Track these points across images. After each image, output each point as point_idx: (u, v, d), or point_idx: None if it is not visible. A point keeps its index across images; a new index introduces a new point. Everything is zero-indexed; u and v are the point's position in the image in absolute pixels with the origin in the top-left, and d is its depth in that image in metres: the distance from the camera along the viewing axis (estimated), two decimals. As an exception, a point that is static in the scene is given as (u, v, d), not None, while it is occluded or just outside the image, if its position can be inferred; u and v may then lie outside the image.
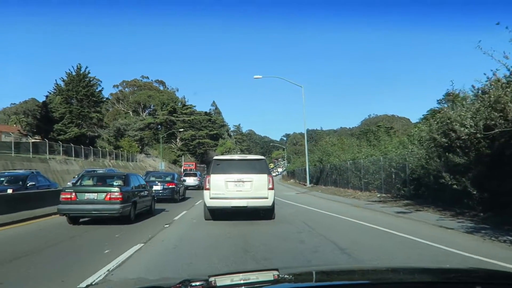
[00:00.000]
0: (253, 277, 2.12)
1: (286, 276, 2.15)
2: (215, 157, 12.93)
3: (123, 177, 12.72)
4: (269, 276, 2.26)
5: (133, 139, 69.30)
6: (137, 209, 12.52)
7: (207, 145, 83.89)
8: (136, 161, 59.84)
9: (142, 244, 8.58)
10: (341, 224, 11.82)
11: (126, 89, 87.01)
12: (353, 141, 39.83)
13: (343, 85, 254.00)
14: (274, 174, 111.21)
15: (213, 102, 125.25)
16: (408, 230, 10.15)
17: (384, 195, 19.78)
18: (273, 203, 11.83)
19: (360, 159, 26.25)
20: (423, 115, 68.51)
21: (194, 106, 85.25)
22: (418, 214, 13.13)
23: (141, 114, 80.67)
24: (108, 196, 11.11)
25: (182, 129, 73.02)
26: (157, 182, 19.54)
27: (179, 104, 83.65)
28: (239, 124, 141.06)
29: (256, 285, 1.85)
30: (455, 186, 11.62)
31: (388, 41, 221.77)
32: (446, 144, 12.42)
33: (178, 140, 78.34)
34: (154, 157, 66.17)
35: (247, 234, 9.63)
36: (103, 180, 13.01)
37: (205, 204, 11.98)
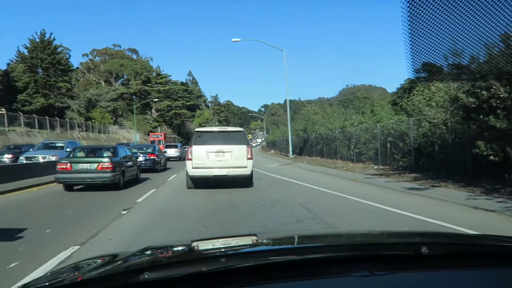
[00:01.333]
0: (234, 242, 2.19)
1: (265, 240, 2.19)
2: (197, 129, 13.18)
3: (112, 149, 13.90)
4: (248, 240, 2.31)
5: (106, 110, 65.25)
6: (125, 177, 13.41)
7: (184, 116, 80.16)
8: (108, 133, 55.97)
9: (77, 248, 5.71)
10: (347, 206, 9.19)
11: (97, 58, 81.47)
12: (337, 109, 37.27)
13: (320, 55, 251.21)
14: (254, 145, 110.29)
15: (189, 72, 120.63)
16: (440, 215, 7.60)
17: (381, 167, 17.36)
18: (252, 172, 12.30)
19: (349, 127, 23.76)
20: (400, 84, 66.86)
21: (169, 76, 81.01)
22: (436, 191, 10.63)
23: (114, 84, 75.93)
24: (100, 166, 12.14)
25: (157, 99, 68.87)
26: (139, 153, 19.75)
27: (154, 73, 79.07)
28: (217, 95, 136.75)
29: (236, 248, 1.89)
30: (492, 157, 9.07)
31: (367, 9, 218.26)
32: (474, 105, 9.80)
33: (153, 111, 74.37)
34: (128, 128, 62.36)
35: (229, 229, 6.85)
36: (94, 151, 14.00)
37: (187, 174, 12.22)
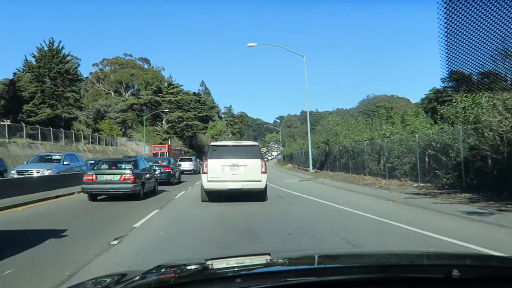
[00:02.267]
0: (248, 261, 2.22)
1: (281, 260, 2.19)
2: (212, 143, 13.92)
3: (133, 161, 15.19)
4: (262, 260, 2.32)
5: (115, 122, 64.70)
6: (144, 188, 14.64)
7: (196, 127, 79.14)
8: (116, 145, 55.07)
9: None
10: (399, 237, 7.43)
11: (107, 67, 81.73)
12: (361, 119, 35.45)
13: (339, 66, 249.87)
14: (269, 158, 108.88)
15: (202, 81, 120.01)
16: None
17: (422, 184, 15.52)
18: (266, 186, 12.77)
19: (378, 138, 21.97)
20: (425, 94, 64.69)
21: (181, 86, 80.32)
22: (507, 216, 8.76)
23: (124, 94, 75.54)
24: (123, 177, 13.45)
25: (167, 110, 67.96)
26: (155, 166, 20.70)
27: (165, 83, 78.51)
28: (230, 106, 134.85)
29: (251, 268, 1.91)
30: None
31: (389, 18, 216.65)
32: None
33: (164, 122, 73.52)
34: (137, 140, 61.49)
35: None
36: (116, 164, 15.35)
37: (202, 187, 12.66)
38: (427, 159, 17.07)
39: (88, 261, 5.87)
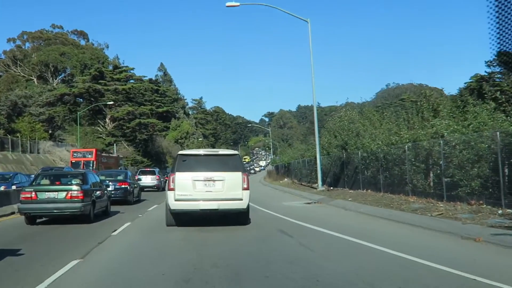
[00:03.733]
0: None
1: None
2: (180, 152, 14.78)
3: (81, 175, 16.21)
4: None
5: (38, 120, 63.11)
6: (95, 209, 15.85)
7: (153, 127, 77.40)
8: (38, 152, 52.76)
9: None
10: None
11: (28, 44, 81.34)
12: (389, 114, 33.40)
13: (350, 47, 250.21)
14: (256, 169, 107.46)
15: (161, 64, 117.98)
16: None
17: (509, 210, 13.29)
18: (248, 205, 13.58)
19: (424, 140, 19.82)
20: (465, 83, 63.92)
21: (132, 69, 78.12)
22: None
23: (51, 81, 74.20)
24: (69, 195, 14.56)
25: (112, 102, 65.63)
26: (107, 181, 21.94)
27: (109, 66, 76.57)
28: (201, 98, 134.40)
29: None
30: None
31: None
32: None
33: (107, 120, 71.37)
34: (70, 145, 58.99)
35: None
36: (60, 178, 16.61)
37: (167, 207, 13.39)
38: (507, 170, 15.00)
39: None
